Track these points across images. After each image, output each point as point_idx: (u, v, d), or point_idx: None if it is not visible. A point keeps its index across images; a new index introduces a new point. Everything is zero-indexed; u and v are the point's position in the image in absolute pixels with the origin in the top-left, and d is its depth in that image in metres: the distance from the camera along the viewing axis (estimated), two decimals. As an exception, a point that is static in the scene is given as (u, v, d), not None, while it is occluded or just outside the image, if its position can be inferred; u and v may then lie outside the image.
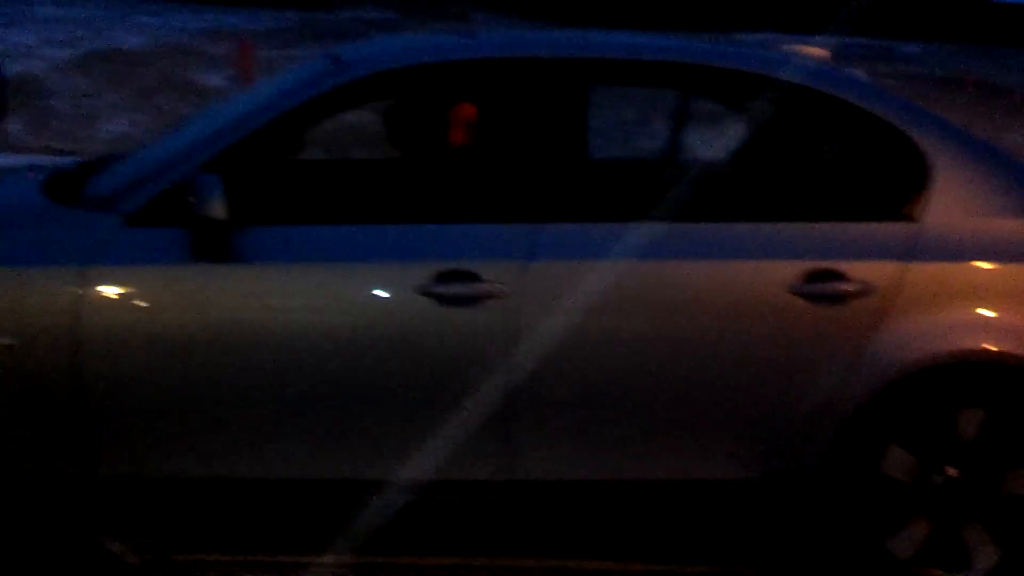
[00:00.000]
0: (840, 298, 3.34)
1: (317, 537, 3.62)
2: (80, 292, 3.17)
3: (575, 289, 3.30)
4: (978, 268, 3.37)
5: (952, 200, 3.43)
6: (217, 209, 3.14)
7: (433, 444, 3.32)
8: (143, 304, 3.21)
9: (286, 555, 3.56)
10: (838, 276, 3.34)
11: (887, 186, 3.53)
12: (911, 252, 3.37)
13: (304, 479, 3.34)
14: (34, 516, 3.33)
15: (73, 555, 3.49)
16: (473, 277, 3.27)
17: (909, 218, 3.42)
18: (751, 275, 3.34)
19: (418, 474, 3.34)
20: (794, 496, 3.43)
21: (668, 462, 3.39)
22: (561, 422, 3.34)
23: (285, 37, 18.25)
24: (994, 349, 3.33)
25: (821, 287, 3.34)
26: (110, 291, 3.19)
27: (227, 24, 19.61)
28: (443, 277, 3.26)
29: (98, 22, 19.24)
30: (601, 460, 3.38)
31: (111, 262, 3.20)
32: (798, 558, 3.66)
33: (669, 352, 3.33)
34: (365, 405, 3.29)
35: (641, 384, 3.33)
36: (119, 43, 17.00)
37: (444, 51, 3.71)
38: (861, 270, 3.35)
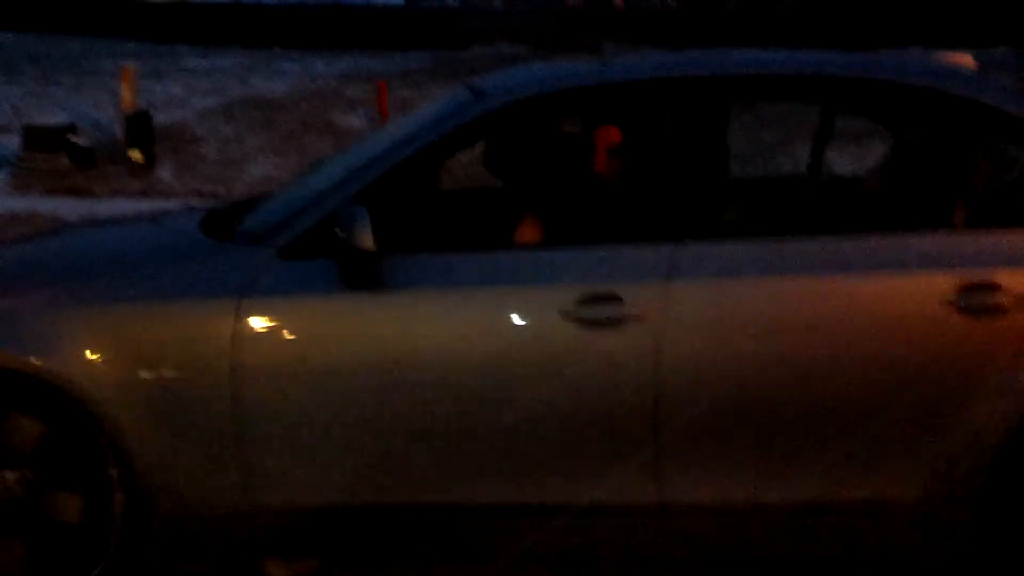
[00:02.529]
0: (997, 310, 3.24)
1: (470, 562, 3.65)
2: (236, 323, 3.28)
3: (719, 308, 3.28)
4: None
5: None
6: (365, 240, 3.22)
7: (579, 468, 3.33)
8: (295, 333, 3.30)
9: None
10: (994, 287, 3.25)
11: None
12: None
13: (454, 504, 3.37)
14: (197, 541, 3.44)
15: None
16: (616, 299, 3.27)
17: None
18: (904, 288, 3.27)
19: (565, 498, 3.35)
20: (952, 517, 3.33)
21: (821, 482, 3.32)
22: (709, 444, 3.30)
23: (420, 77, 18.61)
24: None
25: (977, 299, 3.24)
26: (264, 321, 3.29)
27: (363, 67, 20.09)
28: (586, 300, 3.27)
29: (241, 71, 19.93)
30: (752, 482, 3.33)
31: (265, 294, 3.31)
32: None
33: (819, 370, 3.26)
34: (512, 429, 3.31)
35: (790, 403, 3.27)
36: (261, 90, 17.58)
37: (582, 76, 3.74)
38: (1019, 280, 3.24)
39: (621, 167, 3.82)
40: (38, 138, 12.08)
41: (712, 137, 3.49)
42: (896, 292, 3.27)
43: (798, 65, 3.75)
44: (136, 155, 11.96)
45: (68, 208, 9.61)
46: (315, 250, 3.34)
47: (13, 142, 12.69)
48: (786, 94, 4.05)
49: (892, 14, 22.37)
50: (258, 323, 3.29)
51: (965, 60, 3.83)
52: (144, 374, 3.27)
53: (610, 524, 3.40)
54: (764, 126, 10.40)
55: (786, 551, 3.46)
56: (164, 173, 11.76)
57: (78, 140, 12.23)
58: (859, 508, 3.34)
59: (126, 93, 12.36)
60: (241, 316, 3.28)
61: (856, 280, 3.29)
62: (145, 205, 9.57)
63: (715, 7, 24.46)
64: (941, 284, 3.25)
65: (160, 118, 13.49)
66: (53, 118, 13.15)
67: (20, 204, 9.91)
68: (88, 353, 3.27)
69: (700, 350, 3.27)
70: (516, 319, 3.32)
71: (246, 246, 3.44)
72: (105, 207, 9.73)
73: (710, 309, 3.28)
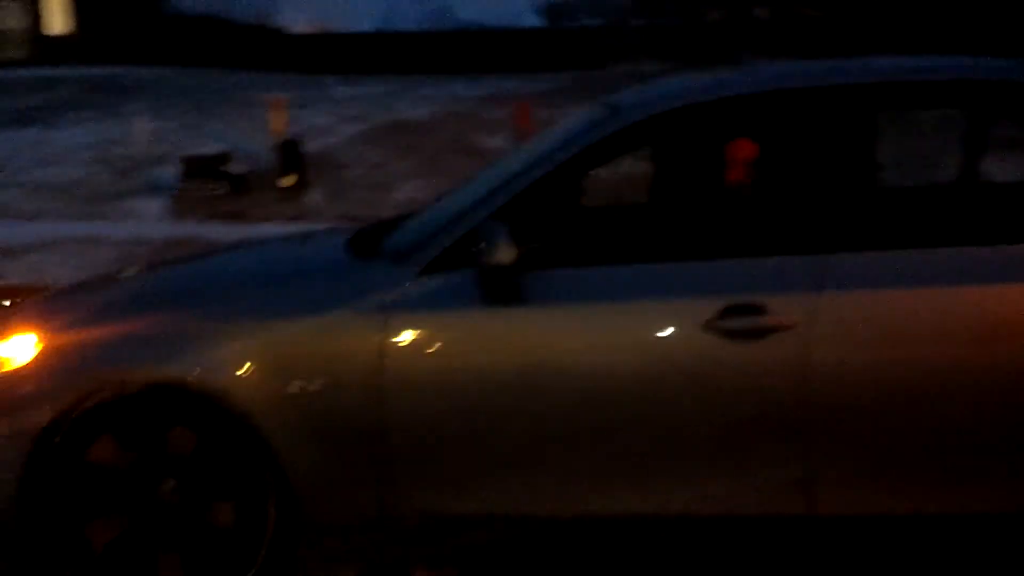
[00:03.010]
0: None
1: (616, 571, 3.67)
2: (382, 337, 3.36)
3: (868, 319, 3.22)
4: None
5: None
6: (505, 255, 3.26)
7: (725, 479, 3.31)
8: (439, 347, 3.36)
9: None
10: None
11: None
12: None
13: (597, 515, 3.39)
14: (347, 550, 3.53)
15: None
16: (760, 310, 3.25)
17: None
18: None
19: (712, 510, 3.34)
20: None
21: (973, 492, 3.25)
22: (858, 456, 3.25)
23: (560, 97, 18.70)
24: None
25: None
26: (409, 336, 3.36)
27: (504, 89, 20.31)
28: (729, 312, 3.26)
29: (385, 97, 20.37)
30: (903, 493, 3.27)
31: (409, 309, 3.38)
32: None
33: (973, 380, 3.19)
34: (657, 442, 3.31)
35: (941, 414, 3.20)
36: (405, 115, 17.94)
37: (718, 88, 3.72)
38: None
39: (755, 180, 3.79)
40: (195, 167, 12.62)
41: (858, 145, 3.43)
42: None
43: (942, 70, 3.66)
44: (287, 181, 12.36)
45: (224, 233, 9.96)
46: (457, 266, 3.41)
47: (172, 172, 13.25)
48: (932, 100, 3.95)
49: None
50: (403, 337, 3.36)
51: None
52: (294, 386, 3.37)
53: (759, 535, 3.36)
54: (917, 133, 10.15)
55: (934, 560, 3.39)
56: (314, 198, 12.11)
57: (232, 168, 12.71)
58: (1012, 517, 3.25)
59: (276, 123, 12.80)
60: (387, 331, 3.36)
61: (1007, 288, 3.20)
62: (297, 229, 9.85)
63: (858, 14, 23.94)
64: None
65: (309, 145, 13.89)
66: (208, 148, 13.69)
67: (179, 230, 10.34)
68: (241, 366, 3.39)
69: (848, 361, 3.22)
70: (657, 332, 3.31)
71: (391, 263, 3.53)
72: (259, 231, 10.07)
73: (859, 320, 3.23)
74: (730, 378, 3.25)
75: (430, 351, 3.37)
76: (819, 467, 3.25)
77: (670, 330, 3.30)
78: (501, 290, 3.35)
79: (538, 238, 3.45)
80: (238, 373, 3.39)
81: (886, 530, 3.33)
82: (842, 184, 3.38)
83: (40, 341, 3.58)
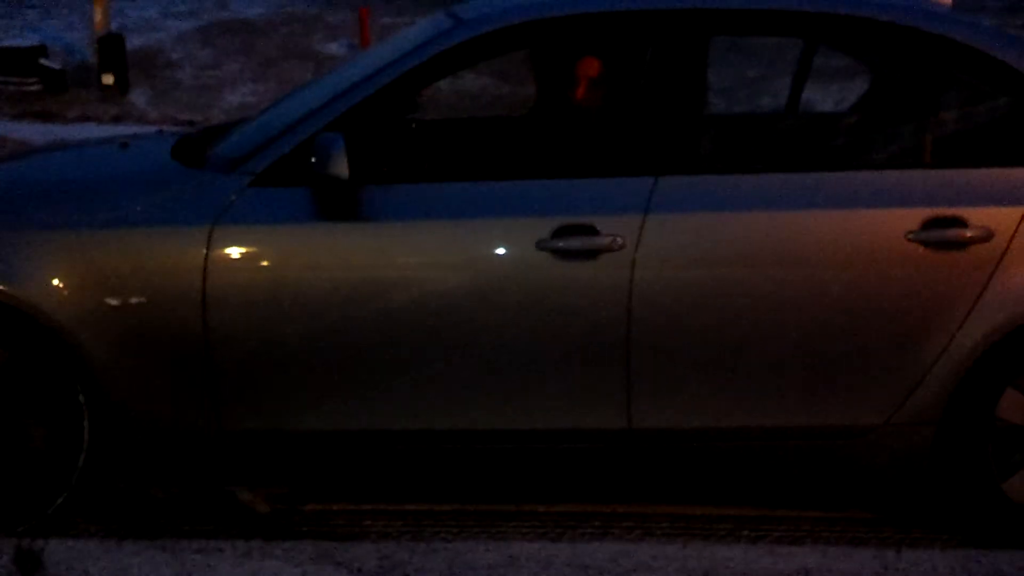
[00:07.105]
0: (959, 244, 3.28)
1: (442, 486, 3.68)
2: (206, 251, 3.24)
3: (692, 241, 3.30)
4: None
5: None
6: (339, 168, 3.18)
7: (553, 394, 3.36)
8: (267, 262, 3.28)
9: (411, 504, 3.63)
10: (958, 222, 3.28)
11: (1015, 131, 3.45)
12: None
13: (426, 430, 3.38)
14: (166, 467, 3.43)
15: (205, 504, 3.59)
16: (591, 231, 3.26)
17: None
18: (870, 223, 3.31)
19: (538, 423, 3.38)
20: (914, 440, 3.39)
21: (788, 408, 3.37)
22: (678, 372, 3.34)
23: (403, 4, 18.34)
24: None
25: (941, 233, 3.28)
26: (235, 250, 3.26)
27: (346, -10, 19.78)
28: (561, 231, 3.26)
29: (219, -7, 19.58)
30: (718, 408, 3.38)
31: (236, 222, 3.27)
32: (914, 502, 3.62)
33: (787, 302, 3.31)
34: (486, 358, 3.32)
35: (758, 333, 3.32)
36: (240, 13, 17.28)
37: (562, 5, 3.67)
38: (982, 216, 3.28)
39: (601, 99, 3.77)
40: (8, 60, 11.91)
41: (692, 71, 3.45)
42: (860, 226, 3.31)
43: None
44: (109, 79, 11.78)
45: (38, 133, 9.50)
46: (290, 178, 3.30)
47: (-18, 64, 12.49)
48: (766, 28, 4.00)
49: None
50: (230, 251, 3.25)
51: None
52: (113, 301, 3.23)
53: (580, 448, 3.42)
54: (749, 61, 10.34)
55: (751, 476, 3.52)
56: (138, 98, 11.61)
57: (49, 63, 12.05)
58: (822, 432, 3.39)
59: (98, 15, 12.15)
60: (213, 244, 3.24)
61: (824, 214, 3.32)
62: (118, 131, 9.44)
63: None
64: (904, 218, 3.30)
65: (134, 41, 13.28)
66: (23, 40, 12.94)
67: (-12, 128, 9.78)
68: (55, 279, 3.23)
69: (671, 281, 3.30)
70: (492, 250, 3.31)
71: (217, 173, 3.38)
72: (76, 132, 9.61)
73: (683, 242, 3.30)
74: (561, 297, 3.29)
75: (259, 266, 3.27)
76: (639, 382, 3.32)
77: (503, 248, 3.31)
78: (333, 204, 3.27)
79: (374, 151, 3.37)
80: (51, 285, 3.22)
81: (702, 442, 3.43)
82: (675, 108, 3.40)
83: None
